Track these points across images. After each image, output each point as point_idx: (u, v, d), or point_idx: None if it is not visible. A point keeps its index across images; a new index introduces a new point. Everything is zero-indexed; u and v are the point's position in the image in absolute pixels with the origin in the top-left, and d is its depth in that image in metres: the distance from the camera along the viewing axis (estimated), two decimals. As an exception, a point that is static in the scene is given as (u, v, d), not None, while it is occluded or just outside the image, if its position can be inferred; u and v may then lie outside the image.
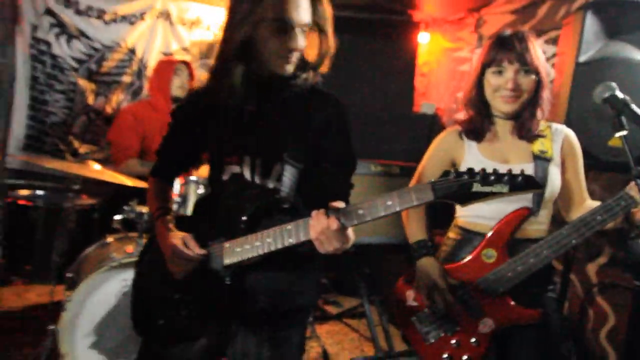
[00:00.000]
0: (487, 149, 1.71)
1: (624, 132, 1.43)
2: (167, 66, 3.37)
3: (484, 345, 1.63)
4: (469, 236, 1.74)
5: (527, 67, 1.60)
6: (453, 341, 1.67)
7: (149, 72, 4.13)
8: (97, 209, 3.20)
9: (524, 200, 1.60)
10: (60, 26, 3.89)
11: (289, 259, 1.35)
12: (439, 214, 1.86)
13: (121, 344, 2.37)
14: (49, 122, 4.01)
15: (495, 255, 1.61)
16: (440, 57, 4.63)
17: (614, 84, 1.49)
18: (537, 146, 1.64)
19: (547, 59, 3.61)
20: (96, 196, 3.20)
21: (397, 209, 1.16)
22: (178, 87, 3.33)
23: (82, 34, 3.98)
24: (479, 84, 1.67)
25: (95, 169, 2.69)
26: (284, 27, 1.32)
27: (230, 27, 1.36)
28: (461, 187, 1.11)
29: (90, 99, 4.12)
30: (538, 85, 1.63)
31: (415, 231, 1.79)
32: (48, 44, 3.90)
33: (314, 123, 1.42)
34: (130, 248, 2.49)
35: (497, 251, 1.61)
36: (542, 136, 1.64)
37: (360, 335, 3.46)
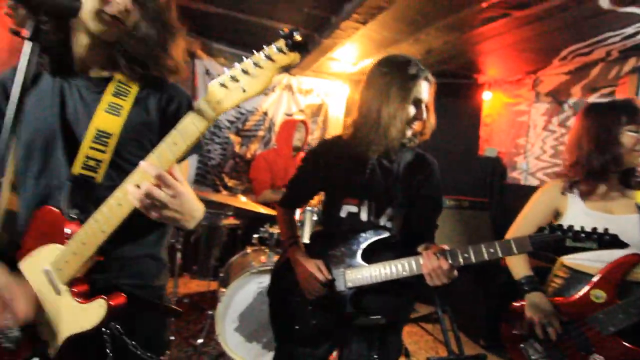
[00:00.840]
0: (591, 200, 1.51)
1: None
2: (291, 124, 3.45)
3: None
4: (577, 276, 1.53)
5: None
6: None
7: (277, 128, 4.31)
8: (241, 228, 3.29)
9: (635, 247, 1.38)
10: None
11: (396, 284, 1.30)
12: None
13: (256, 329, 2.40)
14: (210, 164, 4.18)
15: (604, 296, 1.42)
16: (501, 110, 4.35)
17: None
18: None
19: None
20: (240, 218, 3.29)
21: (499, 255, 1.12)
22: (298, 139, 3.41)
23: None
24: (611, 144, 1.46)
25: (241, 201, 2.81)
26: (418, 104, 1.33)
27: (372, 101, 1.34)
28: (556, 242, 1.06)
29: (237, 148, 4.30)
30: None
31: (521, 268, 1.60)
32: None
33: (416, 178, 1.39)
34: (263, 259, 2.53)
35: (606, 293, 1.42)
36: None
37: (434, 338, 3.24)
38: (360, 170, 1.39)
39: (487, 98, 4.43)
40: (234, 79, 0.79)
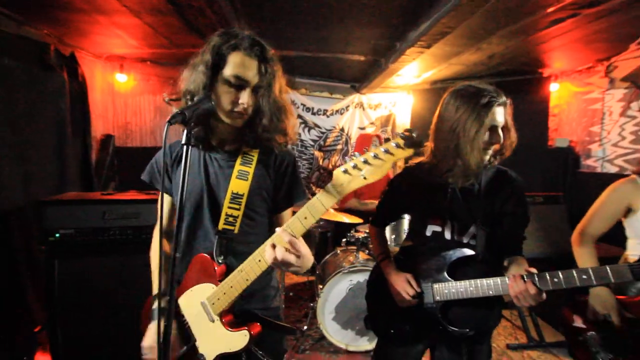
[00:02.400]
0: None
1: None
2: (367, 139, 3.39)
3: None
4: None
5: None
6: None
7: (352, 141, 4.30)
8: (330, 232, 3.36)
9: None
10: (304, 123, 4.27)
11: (484, 298, 1.20)
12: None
13: (349, 319, 2.45)
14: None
15: None
16: (570, 99, 3.73)
17: None
18: None
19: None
20: (330, 224, 3.34)
21: (594, 283, 0.97)
22: None
23: (316, 125, 4.31)
24: None
25: (331, 212, 2.85)
26: (494, 129, 1.21)
27: (448, 133, 1.23)
28: None
29: (320, 161, 4.39)
30: None
31: (587, 262, 1.43)
32: (299, 134, 4.28)
33: (498, 196, 1.26)
34: (351, 259, 2.55)
35: None
36: None
37: (512, 324, 2.94)
38: (442, 194, 1.30)
39: (555, 89, 3.84)
40: (356, 167, 0.82)
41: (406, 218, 2.73)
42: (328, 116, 4.30)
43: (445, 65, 3.36)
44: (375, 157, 0.79)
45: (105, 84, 3.37)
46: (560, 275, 1.00)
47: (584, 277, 0.97)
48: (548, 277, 1.02)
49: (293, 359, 2.37)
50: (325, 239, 3.31)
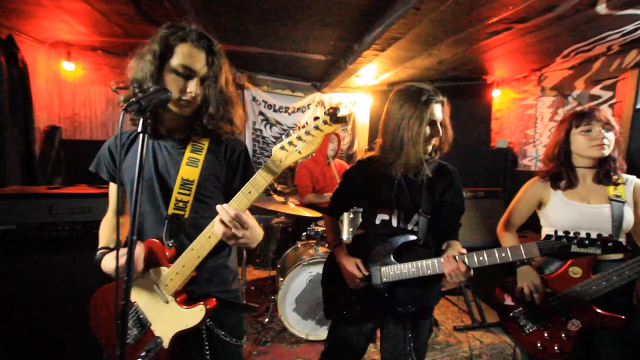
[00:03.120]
0: (570, 191, 1.52)
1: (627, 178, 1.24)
2: (325, 137, 3.49)
3: (572, 340, 1.46)
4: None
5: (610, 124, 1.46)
6: (546, 334, 1.50)
7: None
8: (291, 226, 3.40)
9: (603, 230, 1.40)
10: (266, 120, 4.27)
11: (424, 278, 1.32)
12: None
13: (309, 310, 2.52)
14: (261, 174, 4.41)
15: (580, 272, 1.45)
16: (510, 105, 4.14)
17: None
18: (612, 191, 1.44)
19: (604, 102, 3.03)
20: (290, 219, 3.40)
21: (510, 259, 1.12)
22: (331, 149, 3.41)
23: (278, 123, 4.33)
24: (566, 144, 1.51)
25: (291, 207, 2.89)
26: (434, 124, 1.33)
27: (393, 129, 1.33)
28: (562, 247, 1.04)
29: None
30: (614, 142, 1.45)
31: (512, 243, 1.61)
32: (261, 130, 4.28)
33: (438, 187, 1.39)
34: (311, 252, 2.62)
35: (582, 269, 1.44)
36: (617, 184, 1.43)
37: (459, 309, 3.23)
38: (388, 185, 1.41)
39: (496, 95, 4.23)
40: (291, 143, 0.90)
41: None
42: (290, 114, 4.35)
43: (400, 69, 3.57)
44: (307, 133, 0.90)
45: (50, 72, 3.14)
46: (484, 254, 1.15)
47: (503, 254, 1.13)
48: (475, 256, 1.17)
49: (255, 352, 2.39)
50: (286, 234, 3.35)
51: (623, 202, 1.42)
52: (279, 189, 4.38)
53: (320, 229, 2.78)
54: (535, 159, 3.80)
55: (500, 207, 3.15)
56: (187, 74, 1.03)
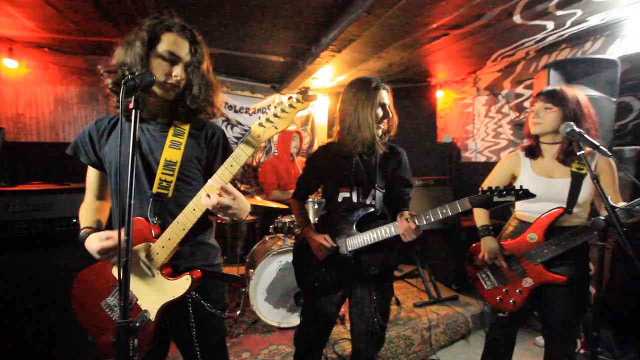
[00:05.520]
0: (537, 167, 1.66)
1: (583, 152, 1.34)
2: (288, 135, 3.54)
3: (525, 295, 1.64)
4: (522, 225, 1.70)
5: (550, 105, 1.55)
6: (504, 290, 1.70)
7: (276, 139, 4.42)
8: (258, 222, 3.43)
9: (561, 202, 1.54)
10: (227, 120, 4.26)
11: (385, 243, 1.46)
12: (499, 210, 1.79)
13: (280, 299, 2.58)
14: (224, 174, 4.37)
15: (536, 238, 1.60)
16: (452, 104, 4.57)
17: (572, 123, 1.38)
18: (575, 165, 1.55)
19: (527, 99, 3.53)
20: (256, 215, 3.41)
21: (450, 214, 1.28)
22: (294, 147, 3.54)
23: (239, 123, 4.34)
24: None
25: (257, 200, 2.97)
26: (384, 107, 1.51)
27: (349, 113, 1.51)
28: (487, 199, 1.21)
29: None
30: (568, 120, 1.48)
31: (481, 221, 1.78)
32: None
33: (390, 165, 1.56)
34: (280, 243, 2.66)
35: (538, 235, 1.59)
36: (580, 159, 1.37)
37: (417, 289, 3.48)
38: (348, 165, 1.56)
39: (440, 96, 4.63)
40: (268, 120, 1.02)
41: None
42: (250, 115, 4.39)
43: (354, 71, 3.81)
44: (283, 111, 1.02)
45: (-12, 69, 2.92)
46: (430, 212, 1.32)
47: (444, 211, 1.29)
48: (422, 215, 1.34)
49: (229, 344, 2.40)
50: (253, 230, 3.39)
51: (583, 176, 1.51)
52: (242, 189, 4.39)
53: (287, 220, 2.86)
54: (476, 152, 4.24)
55: (448, 193, 3.51)
56: (173, 59, 1.12)
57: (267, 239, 2.89)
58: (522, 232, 1.66)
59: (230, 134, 4.33)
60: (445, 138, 4.47)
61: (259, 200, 2.94)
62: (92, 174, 1.27)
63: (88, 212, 1.25)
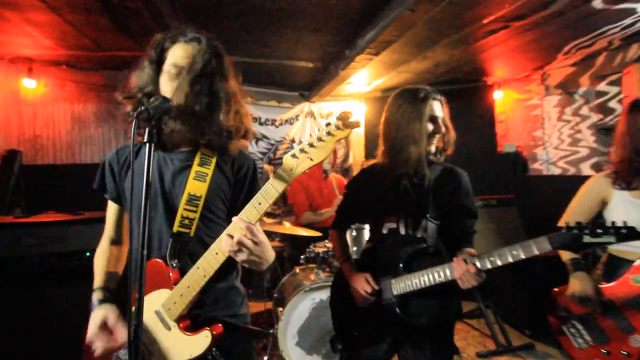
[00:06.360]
0: (636, 190, 1.53)
1: None
2: None
3: (634, 358, 1.45)
4: (619, 262, 1.56)
5: None
6: (604, 350, 1.52)
7: None
8: (286, 249, 3.37)
9: None
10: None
11: (440, 288, 1.36)
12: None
13: (315, 342, 2.48)
14: (250, 193, 4.42)
15: None
16: (514, 106, 4.37)
17: None
18: None
19: (612, 98, 3.26)
20: (284, 241, 3.41)
21: (522, 257, 1.16)
22: (327, 162, 3.43)
23: (264, 137, 4.43)
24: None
25: (286, 227, 2.93)
26: (435, 120, 1.45)
27: (394, 130, 1.46)
28: (574, 239, 1.08)
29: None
30: None
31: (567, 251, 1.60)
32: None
33: (446, 190, 1.47)
34: (313, 277, 2.59)
35: None
36: None
37: (480, 332, 3.26)
38: (395, 191, 1.50)
39: (499, 97, 4.46)
40: (302, 151, 0.98)
41: (366, 229, 2.93)
42: (277, 126, 4.46)
43: (394, 73, 3.76)
44: (319, 139, 0.97)
45: (7, 90, 3.19)
46: (495, 254, 1.20)
47: (514, 252, 1.16)
48: (485, 257, 1.22)
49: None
50: (281, 259, 3.35)
51: None
52: (269, 210, 4.43)
53: (320, 249, 2.81)
54: (547, 162, 3.99)
55: (514, 215, 3.29)
56: (178, 72, 1.10)
57: (298, 270, 2.83)
58: (620, 272, 1.51)
59: (255, 148, 4.41)
60: (507, 146, 4.26)
61: (287, 227, 2.91)
62: (111, 210, 1.28)
63: (103, 260, 1.25)
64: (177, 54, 1.10)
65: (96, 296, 1.17)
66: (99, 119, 3.52)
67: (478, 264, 1.22)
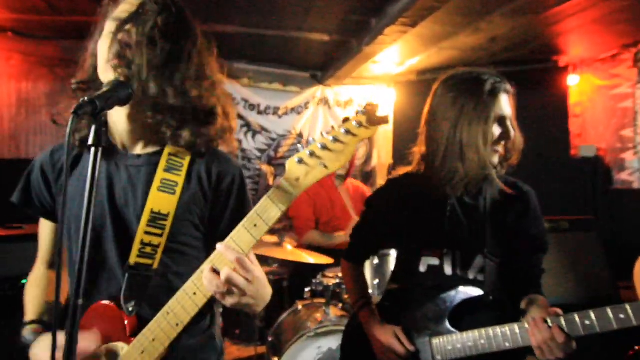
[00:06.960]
0: None
1: None
2: None
3: None
4: None
5: None
6: None
7: None
8: (287, 279, 3.34)
9: None
10: (247, 125, 4.34)
11: (500, 355, 1.29)
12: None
13: None
14: (240, 202, 4.45)
15: None
16: (594, 96, 4.27)
17: None
18: None
19: None
20: (284, 267, 3.37)
21: (634, 323, 1.10)
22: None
23: (263, 129, 4.41)
24: None
25: (287, 250, 2.91)
26: (503, 122, 1.38)
27: (444, 130, 1.39)
28: None
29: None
30: None
31: None
32: (240, 141, 4.33)
33: (510, 215, 1.42)
34: (319, 317, 2.58)
35: None
36: None
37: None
38: (438, 212, 1.44)
39: (574, 83, 4.37)
40: (313, 155, 0.90)
41: (392, 255, 2.88)
42: (280, 116, 4.45)
43: (435, 50, 3.71)
44: (335, 140, 0.89)
45: None
46: (592, 315, 1.13)
47: (622, 316, 1.10)
48: (578, 320, 1.15)
49: None
50: (279, 290, 3.31)
51: None
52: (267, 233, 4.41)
53: (331, 282, 2.78)
54: (639, 172, 3.87)
55: (595, 242, 3.16)
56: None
57: (300, 307, 2.82)
58: None
59: (251, 144, 4.41)
60: (585, 149, 4.17)
61: (288, 251, 2.89)
62: (46, 228, 1.25)
63: (36, 290, 1.22)
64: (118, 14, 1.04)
65: (31, 329, 1.12)
66: (52, 102, 3.52)
67: (565, 327, 1.15)
